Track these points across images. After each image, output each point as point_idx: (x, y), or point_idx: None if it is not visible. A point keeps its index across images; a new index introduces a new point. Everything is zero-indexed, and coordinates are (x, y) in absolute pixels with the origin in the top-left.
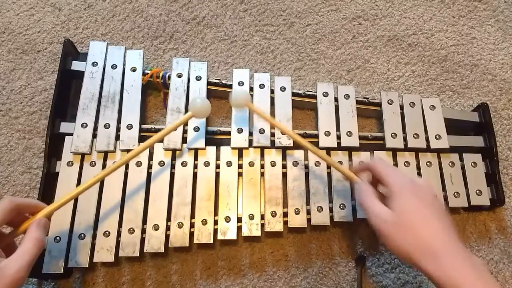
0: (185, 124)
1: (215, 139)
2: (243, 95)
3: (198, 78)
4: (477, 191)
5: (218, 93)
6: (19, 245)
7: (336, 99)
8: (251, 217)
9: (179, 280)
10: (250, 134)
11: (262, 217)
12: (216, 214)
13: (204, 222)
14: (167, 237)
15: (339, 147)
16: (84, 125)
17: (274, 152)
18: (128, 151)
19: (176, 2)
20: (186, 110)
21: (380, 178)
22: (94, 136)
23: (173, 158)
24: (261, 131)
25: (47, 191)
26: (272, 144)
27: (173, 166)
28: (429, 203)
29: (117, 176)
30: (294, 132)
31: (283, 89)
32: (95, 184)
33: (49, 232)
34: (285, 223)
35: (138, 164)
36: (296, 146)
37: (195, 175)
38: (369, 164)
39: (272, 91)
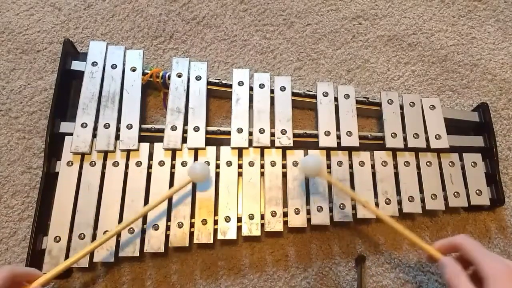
0: (185, 124)
1: (215, 139)
2: (315, 165)
3: (198, 78)
4: (477, 191)
5: (218, 93)
6: None
7: (336, 99)
8: (251, 217)
9: (179, 280)
10: (250, 134)
11: (262, 217)
12: (216, 214)
13: (204, 222)
14: (167, 237)
15: (339, 147)
16: (84, 125)
17: (274, 152)
18: (128, 151)
19: (176, 2)
20: (186, 110)
21: (472, 259)
22: (94, 136)
23: (173, 158)
24: (261, 131)
25: (47, 191)
26: (272, 144)
27: (173, 166)
28: None
29: (117, 176)
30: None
31: (283, 89)
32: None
33: (49, 232)
34: (285, 223)
35: (138, 164)
36: (296, 146)
37: None
38: (456, 242)
39: (272, 91)
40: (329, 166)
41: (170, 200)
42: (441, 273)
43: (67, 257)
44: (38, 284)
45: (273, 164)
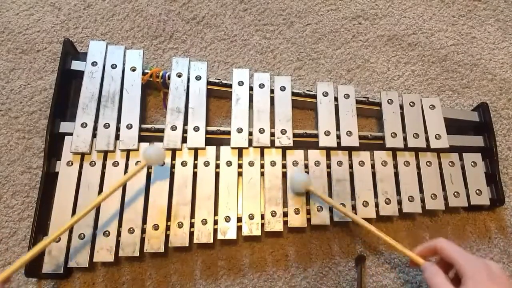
0: (185, 124)
1: (215, 139)
2: (302, 182)
3: (198, 78)
4: (477, 191)
5: (218, 93)
6: None
7: (336, 99)
8: (251, 217)
9: (179, 280)
10: (250, 134)
11: (262, 217)
12: (216, 214)
13: (204, 222)
14: (167, 237)
15: (339, 147)
16: (84, 125)
17: (274, 152)
18: (128, 150)
19: (176, 1)
20: (186, 110)
21: (451, 261)
22: (94, 135)
23: (173, 158)
24: (261, 131)
25: (47, 191)
26: (272, 144)
27: (173, 166)
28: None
29: (117, 176)
30: (355, 216)
31: (283, 88)
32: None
33: (49, 232)
34: (285, 223)
35: (138, 164)
36: (296, 146)
37: (195, 175)
38: (435, 246)
39: (272, 91)
40: (329, 166)
41: (170, 200)
42: (423, 277)
43: (67, 257)
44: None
45: (273, 164)
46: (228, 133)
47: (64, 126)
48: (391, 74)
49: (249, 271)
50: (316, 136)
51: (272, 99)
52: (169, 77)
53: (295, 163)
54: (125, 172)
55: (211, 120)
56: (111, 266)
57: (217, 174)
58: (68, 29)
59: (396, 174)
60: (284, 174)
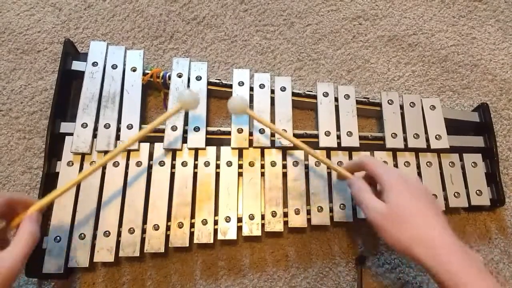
0: (185, 124)
1: (215, 139)
2: (240, 102)
3: (198, 78)
4: (477, 191)
5: (218, 93)
6: (13, 239)
7: (336, 99)
8: (251, 217)
9: (179, 280)
10: (250, 134)
11: (262, 217)
12: (216, 214)
13: (204, 222)
14: (167, 237)
15: (339, 147)
16: (84, 125)
17: (274, 152)
18: (128, 151)
19: (176, 2)
20: (186, 110)
21: (373, 174)
22: (94, 136)
23: (173, 158)
24: (261, 131)
25: (47, 191)
26: (272, 144)
27: (173, 166)
28: (421, 195)
29: (117, 176)
30: (290, 135)
31: (283, 89)
32: (83, 179)
33: (49, 232)
34: (285, 223)
35: (138, 164)
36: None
37: (195, 175)
38: (361, 161)
39: (272, 91)
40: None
41: (170, 200)
42: (351, 191)
43: (67, 257)
44: (35, 210)
45: (273, 164)
46: (229, 133)
47: (64, 127)
48: (392, 74)
49: (249, 271)
50: (317, 136)
51: (272, 100)
52: (169, 78)
53: (295, 163)
54: (126, 172)
55: (211, 120)
56: (111, 266)
57: (217, 175)
58: (69, 29)
59: None
60: (285, 175)
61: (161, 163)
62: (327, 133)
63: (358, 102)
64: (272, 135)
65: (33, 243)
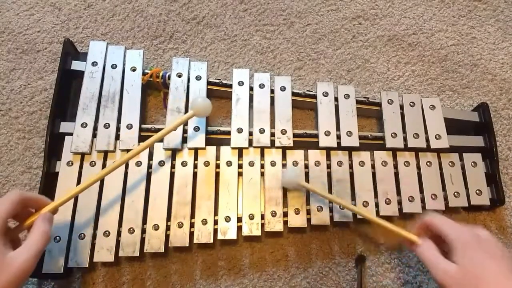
0: (185, 124)
1: (215, 139)
2: (293, 175)
3: (198, 78)
4: (477, 191)
5: (218, 93)
6: (27, 238)
7: (336, 99)
8: (251, 217)
9: (179, 280)
10: (250, 134)
11: (262, 217)
12: (216, 214)
13: (204, 222)
14: (167, 237)
15: (339, 147)
16: (84, 125)
17: (274, 152)
18: (128, 151)
19: (176, 1)
20: (186, 110)
21: (441, 234)
22: (94, 136)
23: (173, 158)
24: (261, 131)
25: (47, 191)
26: (272, 144)
27: (173, 166)
28: (495, 256)
29: (117, 176)
30: (370, 215)
31: (283, 89)
32: (96, 182)
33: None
34: (285, 223)
35: (138, 164)
36: (296, 146)
37: (195, 175)
38: (426, 221)
39: (272, 91)
40: (329, 166)
41: (170, 200)
42: (419, 256)
43: (67, 257)
44: (47, 211)
45: (273, 164)
46: (228, 133)
47: (64, 126)
48: (391, 74)
49: (249, 271)
50: (316, 136)
51: (272, 99)
52: (169, 77)
53: (295, 163)
54: (125, 172)
55: (211, 120)
56: (111, 266)
57: (217, 174)
58: (69, 29)
59: (396, 174)
60: None
61: (161, 163)
62: (327, 133)
63: (358, 102)
64: (272, 135)
65: (45, 243)
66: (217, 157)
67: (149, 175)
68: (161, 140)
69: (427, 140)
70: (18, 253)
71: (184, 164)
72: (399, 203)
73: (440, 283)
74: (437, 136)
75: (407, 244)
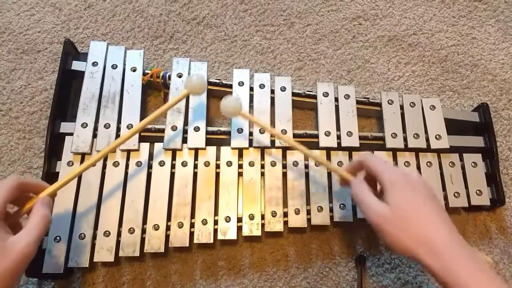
0: (185, 124)
1: (215, 139)
2: (232, 105)
3: None
4: (477, 191)
5: (218, 93)
6: (26, 223)
7: (336, 99)
8: (251, 217)
9: (179, 280)
10: (250, 134)
11: (262, 217)
12: (216, 214)
13: (204, 222)
14: (167, 237)
15: (339, 147)
16: (84, 125)
17: (274, 152)
18: (128, 151)
19: (176, 2)
20: (187, 110)
21: (374, 174)
22: (94, 136)
23: (173, 158)
24: (261, 131)
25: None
26: (272, 144)
27: (173, 166)
28: (425, 195)
29: (117, 176)
30: (288, 136)
31: (283, 89)
32: (93, 164)
33: (49, 232)
34: (285, 223)
35: (138, 164)
36: None
37: (195, 175)
38: (361, 161)
39: (272, 91)
40: None
41: (170, 200)
42: (352, 193)
43: (67, 257)
44: (46, 194)
45: (273, 164)
46: (229, 133)
47: (64, 126)
48: (392, 74)
49: (249, 271)
50: (317, 136)
51: (272, 100)
52: (169, 78)
53: (295, 163)
54: (126, 172)
55: (211, 120)
56: (111, 266)
57: (217, 174)
58: (69, 29)
59: None
60: (285, 175)
61: (161, 163)
62: (327, 133)
63: (358, 102)
64: (272, 135)
65: (45, 226)
66: (217, 157)
67: (149, 175)
68: (161, 140)
69: (427, 140)
70: (19, 237)
71: (184, 164)
72: None
73: (373, 223)
74: (437, 136)
75: (343, 183)
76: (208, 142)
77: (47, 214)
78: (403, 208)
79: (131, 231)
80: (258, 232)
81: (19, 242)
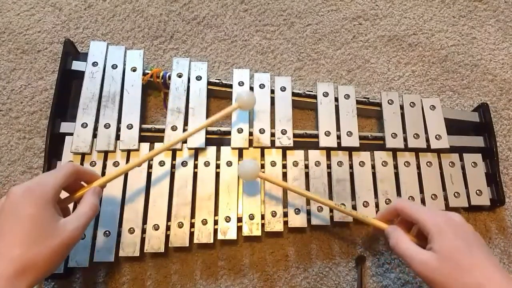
0: (185, 124)
1: (215, 139)
2: (250, 170)
3: (199, 78)
4: (477, 191)
5: (218, 93)
6: (76, 208)
7: (336, 99)
8: (251, 217)
9: (179, 280)
10: (250, 134)
11: (262, 217)
12: (216, 214)
13: (204, 222)
14: (167, 237)
15: (339, 147)
16: (84, 125)
17: (274, 152)
18: (128, 151)
19: (177, 2)
20: (187, 110)
21: (415, 221)
22: (94, 136)
23: (173, 158)
24: (261, 131)
25: None
26: (272, 144)
27: (173, 166)
28: (473, 240)
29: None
30: (324, 199)
31: (283, 89)
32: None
33: None
34: (285, 223)
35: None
36: (297, 146)
37: (195, 175)
38: (395, 207)
39: (272, 91)
40: (329, 166)
41: (170, 200)
42: (389, 243)
43: (67, 257)
44: (97, 184)
45: (273, 164)
46: (229, 133)
47: (64, 126)
48: (392, 74)
49: (249, 271)
50: (317, 136)
51: (272, 100)
52: (169, 78)
53: (295, 163)
54: (126, 173)
55: None
56: (111, 266)
57: (217, 174)
58: (69, 29)
59: (397, 175)
60: (285, 175)
61: (161, 163)
62: (327, 133)
63: (358, 102)
64: (272, 135)
65: (93, 215)
66: (217, 157)
67: (149, 175)
68: (161, 140)
69: (427, 140)
70: (69, 220)
71: (184, 164)
72: None
73: (421, 275)
74: (437, 136)
75: (376, 232)
76: (208, 142)
77: (96, 203)
78: (452, 256)
79: (131, 231)
80: (258, 232)
81: (70, 224)
